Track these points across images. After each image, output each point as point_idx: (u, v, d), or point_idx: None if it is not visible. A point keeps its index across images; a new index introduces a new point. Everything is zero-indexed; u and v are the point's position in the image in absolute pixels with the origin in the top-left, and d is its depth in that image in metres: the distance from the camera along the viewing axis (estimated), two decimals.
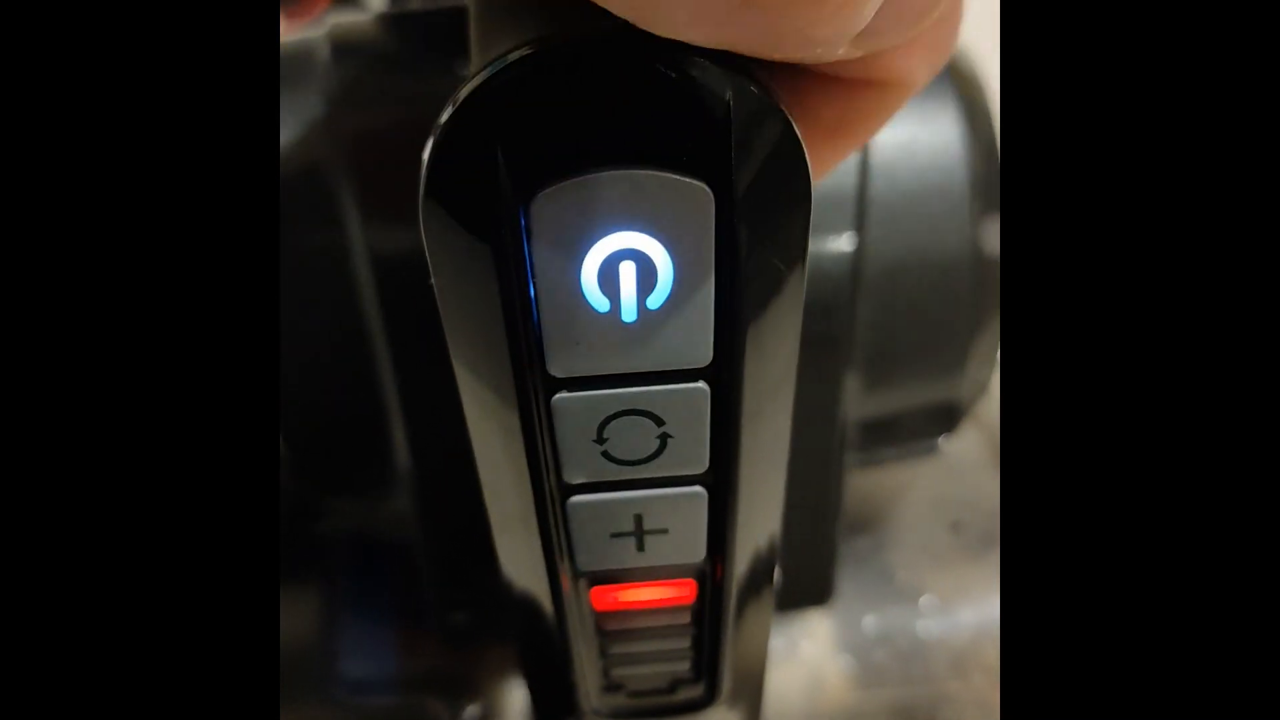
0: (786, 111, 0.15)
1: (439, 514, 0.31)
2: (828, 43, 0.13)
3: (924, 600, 0.34)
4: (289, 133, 0.28)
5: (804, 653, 0.33)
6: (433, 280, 0.16)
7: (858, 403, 0.30)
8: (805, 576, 0.33)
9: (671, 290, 0.16)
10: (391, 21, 0.31)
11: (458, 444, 0.29)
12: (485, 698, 0.32)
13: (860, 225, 0.27)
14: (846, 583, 0.35)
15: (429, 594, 0.32)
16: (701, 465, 0.18)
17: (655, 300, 0.16)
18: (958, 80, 0.28)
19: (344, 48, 0.29)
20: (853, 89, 0.17)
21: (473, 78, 0.14)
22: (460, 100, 0.14)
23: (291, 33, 0.32)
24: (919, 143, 0.28)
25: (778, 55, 0.14)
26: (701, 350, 0.16)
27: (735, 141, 0.15)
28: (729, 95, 0.14)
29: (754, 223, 0.15)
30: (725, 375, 0.17)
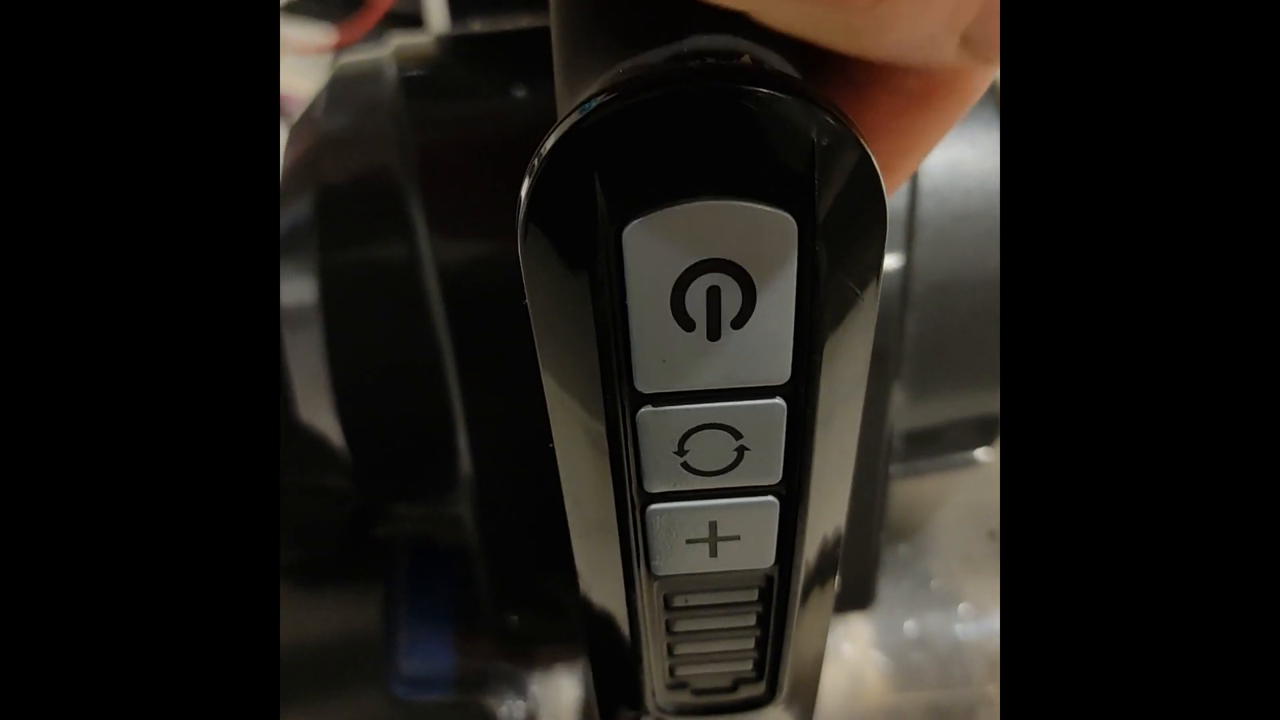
0: (865, 143, 0.16)
1: (497, 520, 0.31)
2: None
3: (961, 606, 0.35)
4: (359, 150, 0.29)
5: (845, 654, 0.34)
6: (527, 300, 0.17)
7: (902, 414, 0.31)
8: (848, 581, 0.34)
9: (754, 312, 0.16)
10: (454, 42, 0.32)
11: (518, 452, 0.30)
12: (538, 696, 0.33)
13: (909, 245, 0.28)
14: (887, 588, 0.36)
15: (485, 595, 0.33)
16: (775, 476, 0.19)
17: (738, 321, 0.16)
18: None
19: (409, 67, 0.30)
20: (913, 77, 0.18)
21: (567, 117, 0.15)
22: (558, 138, 0.15)
23: (345, 49, 0.33)
24: (965, 166, 0.29)
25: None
26: (780, 368, 0.17)
27: (817, 174, 0.15)
28: (812, 130, 0.15)
29: (832, 249, 0.16)
30: (801, 392, 0.17)
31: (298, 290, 0.29)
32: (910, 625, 0.35)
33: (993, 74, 0.18)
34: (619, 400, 0.17)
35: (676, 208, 0.15)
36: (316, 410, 0.30)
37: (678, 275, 0.16)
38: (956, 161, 0.28)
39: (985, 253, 0.29)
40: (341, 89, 0.31)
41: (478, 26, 0.33)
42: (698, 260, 0.16)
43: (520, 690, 0.33)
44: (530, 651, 0.34)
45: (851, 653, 0.34)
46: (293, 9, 0.74)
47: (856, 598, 0.35)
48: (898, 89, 0.17)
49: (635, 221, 0.15)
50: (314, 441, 0.31)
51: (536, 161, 0.16)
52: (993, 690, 0.33)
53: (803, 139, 0.15)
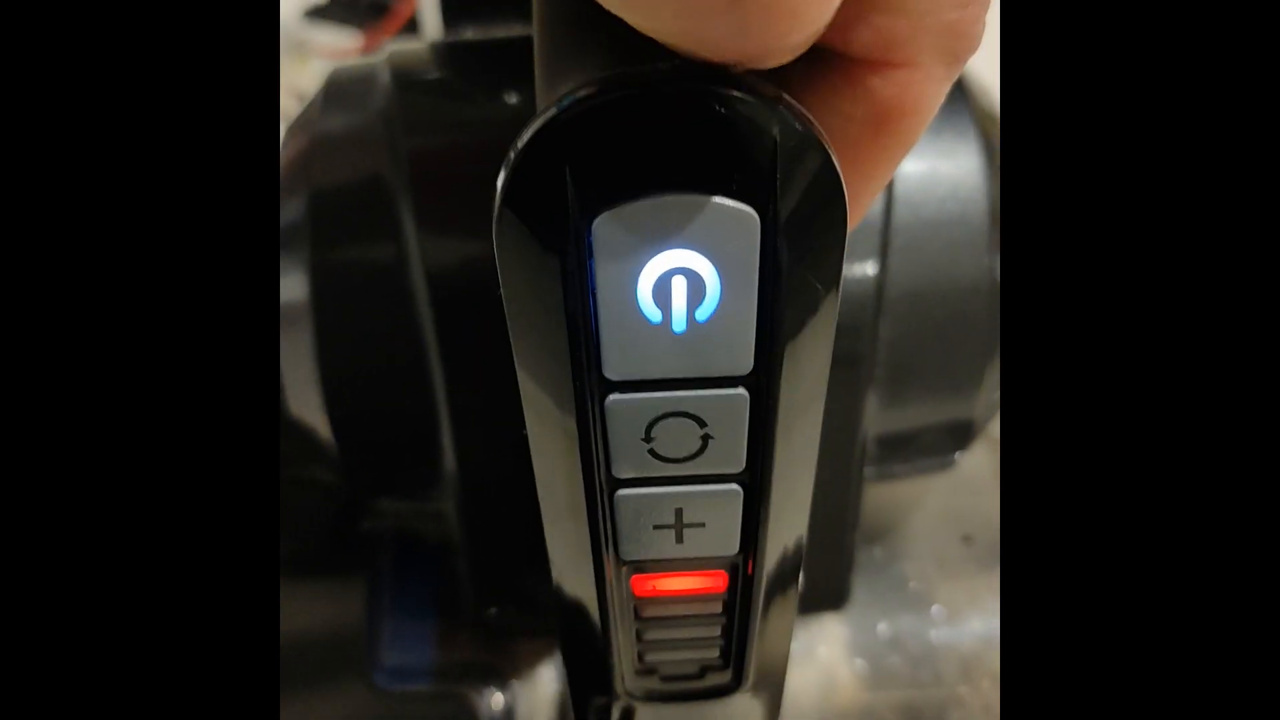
0: (827, 145, 0.16)
1: (479, 515, 0.32)
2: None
3: (935, 609, 0.36)
4: (352, 152, 0.30)
5: (819, 655, 0.35)
6: (501, 290, 0.17)
7: (877, 419, 0.31)
8: (822, 582, 0.34)
9: (718, 304, 0.17)
10: (447, 49, 0.32)
11: (501, 449, 0.30)
12: (516, 687, 0.34)
13: (884, 252, 0.29)
14: (861, 590, 0.36)
15: (467, 590, 0.34)
16: (739, 465, 0.19)
17: (703, 313, 0.17)
18: (978, 116, 0.30)
19: (403, 73, 0.31)
20: (872, 88, 0.18)
21: (543, 112, 0.16)
22: (533, 132, 0.16)
23: (362, 54, 0.33)
24: (940, 175, 0.29)
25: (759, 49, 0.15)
26: (743, 359, 0.18)
27: (780, 171, 0.16)
28: (776, 129, 0.16)
29: (795, 245, 0.17)
30: (764, 383, 0.18)
31: (289, 287, 0.29)
32: (883, 626, 0.36)
33: (946, 89, 0.18)
34: (588, 387, 0.18)
35: (644, 201, 0.16)
36: (305, 405, 0.31)
37: (645, 266, 0.17)
38: (931, 168, 0.29)
39: (960, 259, 0.29)
40: (337, 92, 0.31)
41: (470, 34, 0.34)
42: (665, 252, 0.16)
43: (499, 682, 0.34)
44: (509, 644, 0.35)
45: (825, 652, 0.35)
46: (321, 13, 0.75)
47: (831, 598, 0.35)
48: (849, 116, 0.17)
49: (605, 214, 0.16)
50: (303, 436, 0.32)
51: (512, 154, 0.16)
52: (964, 691, 0.34)
53: (766, 137, 0.16)
